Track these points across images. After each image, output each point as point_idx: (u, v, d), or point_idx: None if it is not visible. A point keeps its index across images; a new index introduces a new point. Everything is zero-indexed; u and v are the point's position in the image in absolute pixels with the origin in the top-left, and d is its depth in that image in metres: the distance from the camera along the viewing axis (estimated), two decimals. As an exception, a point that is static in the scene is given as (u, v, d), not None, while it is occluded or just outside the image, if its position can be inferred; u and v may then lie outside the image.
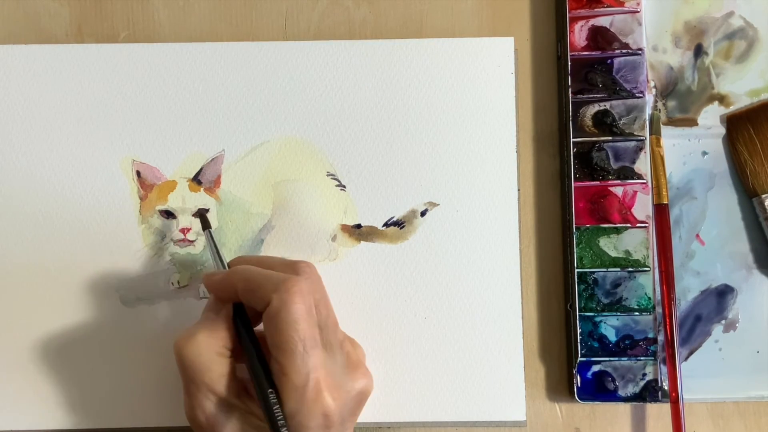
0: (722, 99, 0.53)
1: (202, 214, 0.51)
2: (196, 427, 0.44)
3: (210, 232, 0.49)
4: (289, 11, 0.55)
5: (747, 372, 0.52)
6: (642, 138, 0.52)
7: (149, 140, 0.53)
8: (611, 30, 0.53)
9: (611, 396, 0.51)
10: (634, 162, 0.53)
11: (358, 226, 0.52)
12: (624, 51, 0.53)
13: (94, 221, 0.52)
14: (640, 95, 0.52)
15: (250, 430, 0.43)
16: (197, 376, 0.42)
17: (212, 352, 0.42)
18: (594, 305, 0.52)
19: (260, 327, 0.43)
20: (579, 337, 0.51)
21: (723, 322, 0.52)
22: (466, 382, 0.51)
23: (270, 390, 0.41)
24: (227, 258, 0.48)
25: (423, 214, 0.52)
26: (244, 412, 0.43)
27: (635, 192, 0.52)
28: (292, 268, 0.43)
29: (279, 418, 0.40)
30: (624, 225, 0.52)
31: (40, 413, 0.52)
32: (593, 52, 0.53)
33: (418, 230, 0.52)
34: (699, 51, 0.54)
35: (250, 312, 0.44)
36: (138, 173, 0.53)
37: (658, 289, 0.52)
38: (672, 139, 0.53)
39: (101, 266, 0.52)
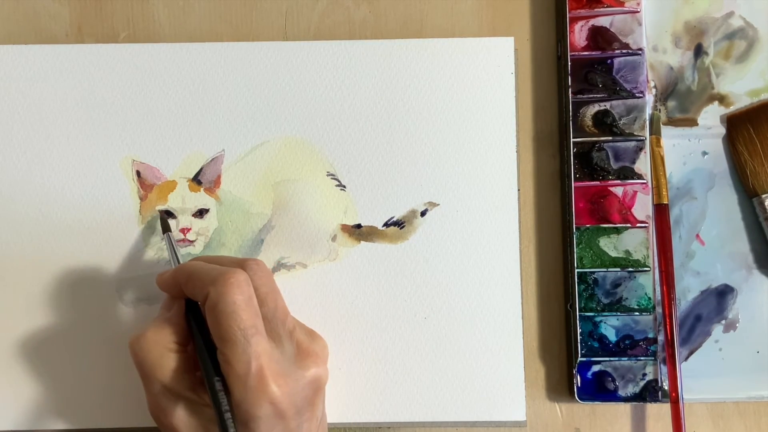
0: (722, 99, 0.53)
1: (163, 217, 0.52)
2: (156, 421, 0.45)
3: (169, 235, 0.50)
4: (289, 11, 0.55)
5: (747, 372, 0.52)
6: (642, 138, 0.52)
7: (149, 140, 0.53)
8: (611, 30, 0.53)
9: (611, 396, 0.51)
10: (634, 162, 0.53)
11: (358, 226, 0.52)
12: (624, 51, 0.53)
13: (94, 221, 0.52)
14: (640, 95, 0.52)
15: (204, 422, 0.44)
16: (149, 371, 0.43)
17: (162, 348, 0.43)
18: (594, 305, 0.52)
19: None
20: (579, 337, 0.51)
21: (723, 322, 0.52)
22: (466, 382, 0.51)
23: (217, 378, 0.42)
24: (228, 254, 0.49)
25: (423, 214, 0.52)
26: (198, 404, 0.44)
27: (635, 192, 0.52)
28: (240, 263, 0.44)
29: (224, 405, 0.41)
30: (624, 225, 0.52)
31: (39, 413, 0.52)
32: (593, 52, 0.53)
33: (418, 230, 0.52)
34: (699, 51, 0.54)
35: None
36: (138, 173, 0.53)
37: (658, 289, 0.52)
38: (672, 139, 0.53)
39: (101, 266, 0.52)
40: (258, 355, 0.41)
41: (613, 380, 0.51)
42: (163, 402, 0.44)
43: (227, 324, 0.41)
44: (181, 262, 0.48)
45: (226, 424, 0.40)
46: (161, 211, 0.52)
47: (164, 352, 0.43)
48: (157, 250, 0.52)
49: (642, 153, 0.52)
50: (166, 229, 0.50)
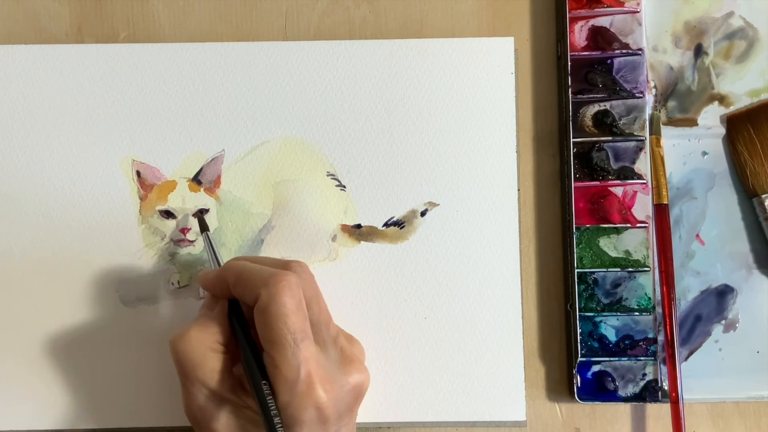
0: (722, 99, 0.53)
1: (200, 217, 0.51)
2: (192, 421, 0.44)
3: (208, 234, 0.49)
4: (289, 11, 0.55)
5: (747, 372, 0.52)
6: (642, 138, 0.52)
7: (149, 140, 0.53)
8: (611, 30, 0.53)
9: (611, 396, 0.51)
10: (634, 162, 0.53)
11: (358, 226, 0.52)
12: (624, 51, 0.53)
13: (94, 221, 0.52)
14: (640, 95, 0.52)
15: (244, 423, 0.43)
16: (190, 372, 0.43)
17: (204, 348, 0.43)
18: (594, 305, 0.52)
19: None
20: (579, 337, 0.51)
21: (723, 322, 0.52)
22: (466, 382, 0.51)
23: (264, 382, 0.41)
24: (225, 259, 0.48)
25: (423, 214, 0.52)
26: (238, 406, 0.44)
27: (635, 192, 0.52)
28: (285, 265, 0.44)
29: (272, 409, 0.40)
30: (624, 225, 0.52)
31: (39, 413, 0.52)
32: (593, 52, 0.53)
33: (418, 230, 0.52)
34: (699, 51, 0.54)
35: (247, 310, 0.45)
36: (138, 173, 0.53)
37: (658, 289, 0.52)
38: (672, 139, 0.53)
39: (101, 266, 0.52)
40: (307, 360, 0.41)
41: (613, 380, 0.51)
42: (202, 402, 0.43)
43: (278, 327, 0.41)
44: (221, 261, 0.48)
45: (275, 430, 0.40)
46: (199, 211, 0.52)
47: (207, 352, 0.43)
48: (157, 250, 0.52)
49: (642, 153, 0.52)
50: (204, 228, 0.50)
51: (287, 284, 0.41)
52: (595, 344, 0.52)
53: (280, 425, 0.40)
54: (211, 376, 0.43)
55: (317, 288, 0.44)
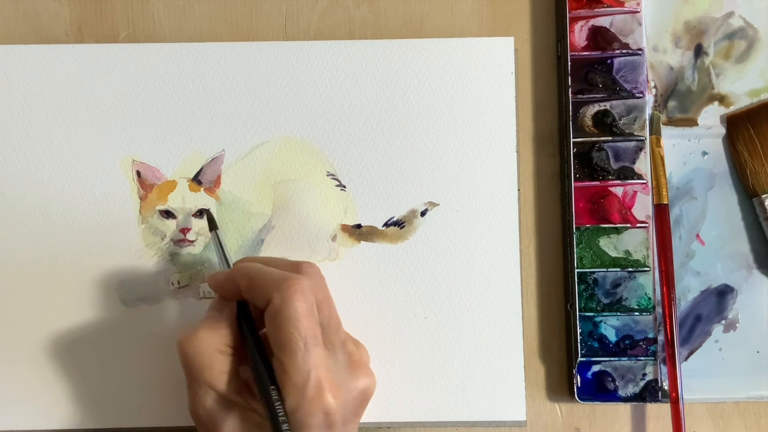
0: (722, 99, 0.53)
1: (209, 215, 0.51)
2: (198, 423, 0.44)
3: (216, 232, 0.49)
4: (289, 11, 0.55)
5: (747, 372, 0.52)
6: (642, 138, 0.52)
7: (149, 140, 0.53)
8: (611, 30, 0.53)
9: (611, 396, 0.51)
10: (634, 162, 0.53)
11: (358, 226, 0.52)
12: (624, 51, 0.53)
13: (94, 221, 0.52)
14: (640, 95, 0.52)
15: (250, 426, 0.43)
16: (198, 373, 0.43)
17: (213, 349, 0.43)
18: (594, 305, 0.52)
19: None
20: (579, 337, 0.51)
21: (723, 322, 0.52)
22: (466, 382, 0.51)
23: (272, 387, 0.41)
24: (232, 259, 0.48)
25: (423, 214, 0.52)
26: (245, 408, 0.43)
27: (635, 192, 0.52)
28: (296, 267, 0.44)
29: (280, 414, 0.40)
30: (624, 225, 0.52)
31: (39, 413, 0.52)
32: (593, 52, 0.53)
33: (418, 230, 0.52)
34: (699, 51, 0.54)
35: (256, 313, 0.45)
36: (138, 173, 0.53)
37: (658, 289, 0.52)
38: (672, 139, 0.53)
39: (101, 266, 0.52)
40: (317, 366, 0.41)
41: (613, 380, 0.51)
42: (209, 404, 0.43)
43: (289, 332, 0.40)
44: (231, 261, 0.47)
45: None
46: (199, 211, 0.52)
47: (215, 353, 0.43)
48: (156, 249, 0.52)
49: (642, 153, 0.52)
50: (213, 226, 0.50)
51: (300, 288, 0.41)
52: (595, 344, 0.52)
53: (288, 430, 0.40)
54: (219, 378, 0.43)
55: (327, 291, 0.44)
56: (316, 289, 0.43)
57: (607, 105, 0.53)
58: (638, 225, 0.52)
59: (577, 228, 0.52)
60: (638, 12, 0.53)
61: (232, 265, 0.47)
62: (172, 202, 0.52)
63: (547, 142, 0.54)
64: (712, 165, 0.53)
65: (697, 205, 0.53)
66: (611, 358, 0.51)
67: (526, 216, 0.53)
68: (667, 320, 0.51)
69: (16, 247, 0.52)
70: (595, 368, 0.52)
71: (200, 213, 0.52)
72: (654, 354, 0.51)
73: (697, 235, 0.53)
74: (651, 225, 0.52)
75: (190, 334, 0.43)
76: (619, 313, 0.52)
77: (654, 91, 0.53)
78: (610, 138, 0.52)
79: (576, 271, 0.51)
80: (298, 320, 0.41)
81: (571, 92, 0.52)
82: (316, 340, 0.41)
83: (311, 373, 0.40)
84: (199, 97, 0.53)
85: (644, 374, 0.51)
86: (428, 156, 0.52)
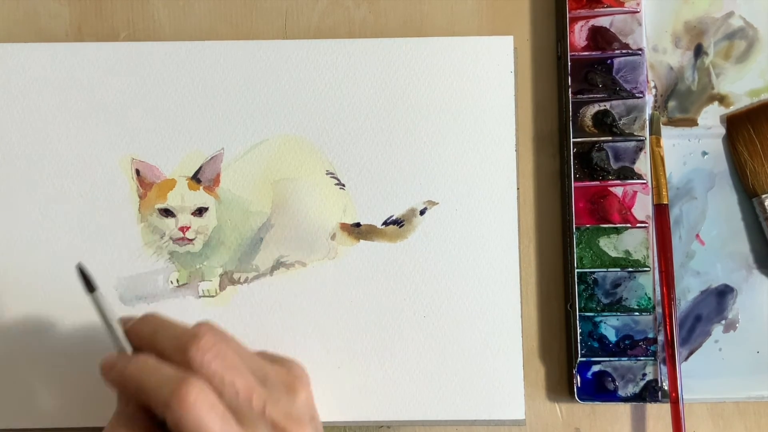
0: (722, 99, 0.53)
1: (83, 272, 0.41)
2: None
3: (96, 295, 0.42)
4: (289, 11, 0.55)
5: (747, 372, 0.52)
6: (642, 138, 0.52)
7: (148, 138, 0.53)
8: (611, 30, 0.53)
9: (611, 396, 0.51)
10: (634, 162, 0.53)
11: (358, 224, 0.52)
12: (624, 51, 0.53)
13: (94, 220, 0.52)
14: (640, 95, 0.52)
15: None
16: None
17: None
18: (594, 305, 0.52)
19: None
20: (579, 337, 0.51)
21: (723, 322, 0.52)
22: (465, 381, 0.51)
23: None
24: (228, 253, 0.48)
25: (422, 212, 0.52)
26: None
27: (635, 192, 0.52)
28: (190, 335, 0.40)
29: None
30: (624, 225, 0.52)
31: (38, 412, 0.51)
32: (593, 52, 0.53)
33: (418, 229, 0.52)
34: (699, 51, 0.54)
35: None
36: (137, 172, 0.53)
37: (658, 289, 0.52)
38: (672, 139, 0.53)
39: (100, 265, 0.52)
40: None
41: (613, 380, 0.51)
42: None
43: None
44: (117, 332, 0.42)
45: None
46: (78, 266, 0.42)
47: None
48: (156, 248, 0.52)
49: (642, 153, 0.52)
50: (90, 288, 0.42)
51: (193, 399, 0.37)
52: (595, 344, 0.52)
53: None
54: None
55: (227, 355, 0.40)
56: (213, 368, 0.39)
57: (607, 105, 0.53)
58: (638, 225, 0.52)
59: (577, 228, 0.52)
60: (638, 12, 0.53)
61: (120, 335, 0.42)
62: (172, 201, 0.52)
63: (547, 142, 0.54)
64: (712, 165, 0.53)
65: (697, 205, 0.53)
66: (611, 358, 0.51)
67: (525, 216, 0.53)
68: (667, 320, 0.51)
69: (13, 246, 0.52)
70: (595, 368, 0.52)
71: (199, 211, 0.52)
72: (654, 354, 0.51)
73: (697, 235, 0.53)
74: (651, 225, 0.52)
75: None
76: (619, 313, 0.52)
77: (654, 91, 0.53)
78: (610, 138, 0.52)
79: (576, 271, 0.51)
80: (203, 430, 0.37)
81: (571, 92, 0.52)
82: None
83: None
84: (199, 96, 0.53)
85: (644, 374, 0.51)
86: (427, 155, 0.52)
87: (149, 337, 0.42)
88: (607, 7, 0.53)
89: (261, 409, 0.40)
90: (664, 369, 0.51)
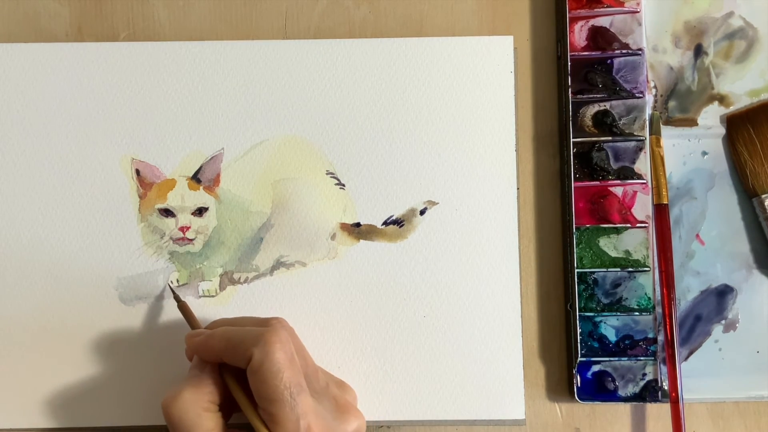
0: (722, 99, 0.53)
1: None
2: None
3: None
4: (289, 11, 0.55)
5: (747, 372, 0.52)
6: (642, 138, 0.52)
7: (149, 139, 0.53)
8: (611, 30, 0.53)
9: (611, 396, 0.51)
10: (634, 162, 0.53)
11: (358, 224, 0.52)
12: (624, 51, 0.53)
13: (94, 220, 0.52)
14: (640, 95, 0.52)
15: None
16: None
17: (199, 408, 0.43)
18: (594, 305, 0.52)
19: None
20: (579, 337, 0.51)
21: (723, 322, 0.52)
22: (465, 381, 0.51)
23: None
24: (228, 253, 0.48)
25: (422, 212, 0.52)
26: None
27: (635, 192, 0.52)
28: (265, 323, 0.44)
29: None
30: (624, 225, 0.52)
31: (38, 411, 0.51)
32: (593, 52, 0.53)
33: (418, 229, 0.52)
34: (699, 51, 0.54)
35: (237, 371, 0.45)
36: (137, 172, 0.53)
37: (658, 289, 0.52)
38: (672, 139, 0.53)
39: (100, 265, 0.52)
40: (306, 413, 0.41)
41: (613, 380, 0.51)
42: None
43: (274, 384, 0.41)
44: (200, 324, 0.49)
45: None
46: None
47: (201, 412, 0.43)
48: (156, 248, 0.52)
49: (642, 153, 0.52)
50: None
51: (278, 340, 0.42)
52: (595, 344, 0.52)
53: None
54: None
55: (300, 341, 0.45)
56: (291, 340, 0.43)
57: (607, 105, 0.53)
58: (638, 225, 0.52)
59: (577, 228, 0.52)
60: (638, 12, 0.53)
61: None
62: (172, 201, 0.52)
63: (547, 142, 0.54)
64: (712, 165, 0.53)
65: (697, 205, 0.53)
66: (611, 358, 0.51)
67: (525, 216, 0.53)
68: (667, 320, 0.51)
69: (14, 246, 0.52)
70: (595, 368, 0.52)
71: (200, 211, 0.52)
72: (654, 354, 0.51)
73: (697, 235, 0.53)
74: (651, 225, 0.52)
75: (174, 395, 0.43)
76: (619, 313, 0.52)
77: (654, 91, 0.53)
78: (610, 138, 0.52)
79: (576, 271, 0.51)
80: (282, 371, 0.41)
81: (571, 92, 0.52)
82: (302, 388, 0.42)
83: (301, 421, 0.41)
84: (199, 96, 0.53)
85: (644, 374, 0.51)
86: (427, 155, 0.52)
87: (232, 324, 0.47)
88: (607, 7, 0.53)
89: (324, 385, 0.45)
90: (664, 369, 0.51)
